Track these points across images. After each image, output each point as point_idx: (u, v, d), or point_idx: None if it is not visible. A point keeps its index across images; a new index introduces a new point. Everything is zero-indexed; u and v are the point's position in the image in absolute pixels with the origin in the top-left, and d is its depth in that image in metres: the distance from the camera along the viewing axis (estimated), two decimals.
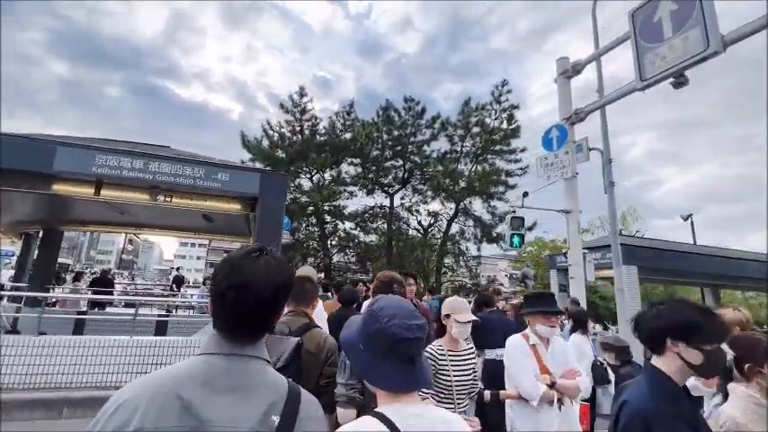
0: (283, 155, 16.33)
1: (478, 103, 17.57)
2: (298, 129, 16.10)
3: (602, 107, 7.90)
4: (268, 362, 0.91)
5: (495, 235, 16.81)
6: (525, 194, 7.81)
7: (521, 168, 17.31)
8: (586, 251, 7.90)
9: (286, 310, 1.79)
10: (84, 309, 7.94)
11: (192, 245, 70.46)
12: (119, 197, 5.42)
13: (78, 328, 6.71)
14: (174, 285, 14.48)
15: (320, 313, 2.97)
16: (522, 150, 17.38)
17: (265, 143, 16.18)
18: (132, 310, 6.17)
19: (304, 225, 17.81)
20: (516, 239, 7.65)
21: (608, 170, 8.75)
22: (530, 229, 17.04)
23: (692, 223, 14.57)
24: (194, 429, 0.75)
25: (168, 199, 5.54)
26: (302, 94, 15.70)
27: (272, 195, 5.67)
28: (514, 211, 7.73)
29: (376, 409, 0.92)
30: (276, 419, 0.81)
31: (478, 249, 17.80)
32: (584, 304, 7.56)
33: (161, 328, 7.14)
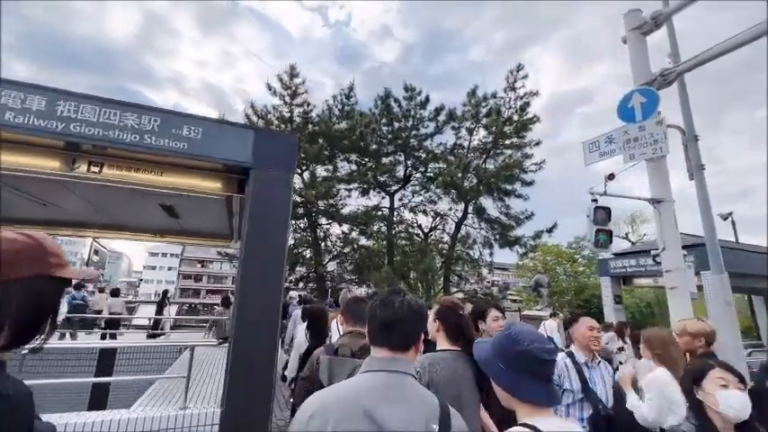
0: None
1: (486, 93, 15.81)
2: (287, 115, 13.77)
3: (698, 66, 6.11)
4: (415, 377, 1.13)
5: (512, 238, 14.95)
6: (611, 176, 5.86)
7: (535, 164, 15.61)
8: (685, 253, 6.04)
9: (345, 329, 2.28)
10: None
11: (164, 254, 65.84)
12: (6, 165, 3.09)
13: None
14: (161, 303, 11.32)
15: None
16: (537, 144, 15.68)
17: None
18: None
19: (293, 228, 15.43)
20: (603, 237, 5.67)
21: (694, 150, 6.98)
22: (549, 231, 15.31)
23: (732, 222, 13.16)
24: (376, 430, 0.97)
25: (96, 169, 3.25)
26: (293, 74, 13.38)
27: (273, 167, 3.48)
28: (596, 200, 5.76)
29: (525, 421, 1.06)
30: (436, 427, 1.02)
31: (491, 255, 15.89)
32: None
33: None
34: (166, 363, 7.17)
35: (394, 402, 1.02)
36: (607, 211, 5.81)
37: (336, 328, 3.39)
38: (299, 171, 14.28)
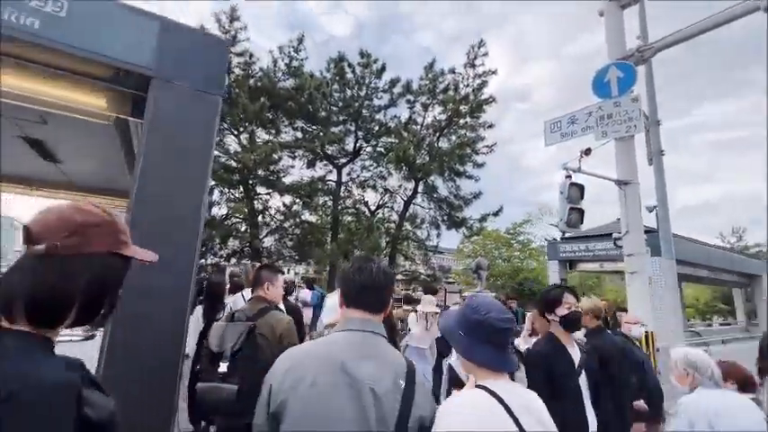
0: None
1: (444, 68, 15.15)
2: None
3: (678, 43, 5.89)
4: (386, 338, 1.23)
5: (459, 219, 14.75)
6: (587, 152, 5.46)
7: (487, 146, 15.44)
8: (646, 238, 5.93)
9: (248, 297, 2.44)
10: None
11: None
12: None
13: None
14: None
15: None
16: (490, 126, 15.49)
17: None
18: None
19: (226, 197, 13.69)
20: (575, 216, 5.28)
21: (655, 135, 6.92)
22: (495, 214, 15.37)
23: (656, 216, 14.17)
24: (349, 383, 1.06)
25: None
26: (233, 16, 11.40)
27: (189, 79, 2.34)
28: (570, 176, 5.33)
29: (480, 383, 1.17)
30: (402, 383, 1.10)
31: (438, 236, 15.62)
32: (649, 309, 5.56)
33: None
34: None
35: (368, 359, 1.11)
36: (580, 188, 5.43)
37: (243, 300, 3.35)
38: (236, 132, 12.52)
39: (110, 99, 2.50)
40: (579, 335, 3.05)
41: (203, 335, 2.70)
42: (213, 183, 12.74)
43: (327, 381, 1.04)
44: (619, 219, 10.71)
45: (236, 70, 11.82)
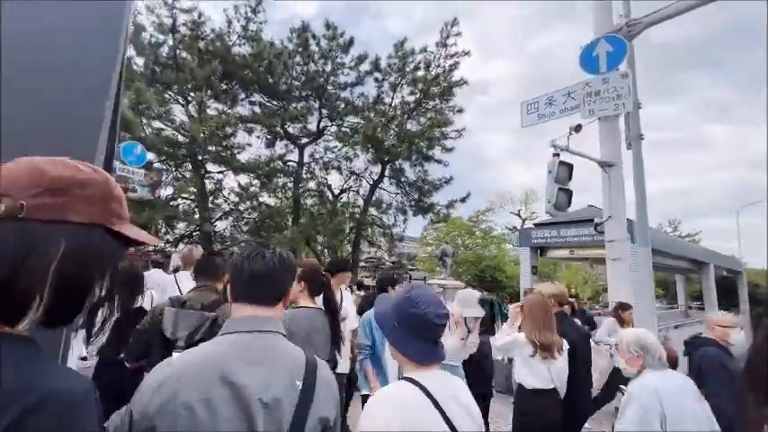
0: (141, 65, 10.49)
1: (415, 47, 14.46)
2: (168, 21, 10.30)
3: (669, 18, 5.62)
4: (284, 335, 1.08)
5: (427, 204, 14.32)
6: (577, 128, 5.05)
7: (456, 131, 15.04)
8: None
9: (195, 284, 2.23)
10: None
11: None
12: None
13: None
14: None
15: None
16: (460, 111, 15.09)
17: None
18: None
19: (172, 175, 12.25)
20: (563, 198, 4.88)
21: (635, 118, 6.72)
22: (463, 200, 15.11)
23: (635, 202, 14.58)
24: (232, 397, 0.90)
25: None
26: None
27: None
28: (558, 154, 4.91)
29: (407, 376, 1.19)
30: (299, 383, 0.98)
31: (405, 221, 15.12)
32: (648, 294, 5.36)
33: None
34: None
35: (256, 364, 0.97)
36: (569, 167, 5.02)
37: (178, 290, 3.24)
38: (183, 101, 11.08)
39: None
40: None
41: (121, 324, 2.32)
42: (156, 159, 11.28)
43: (204, 398, 0.88)
44: (590, 205, 10.79)
45: (183, 29, 10.37)
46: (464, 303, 3.20)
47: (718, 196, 71.65)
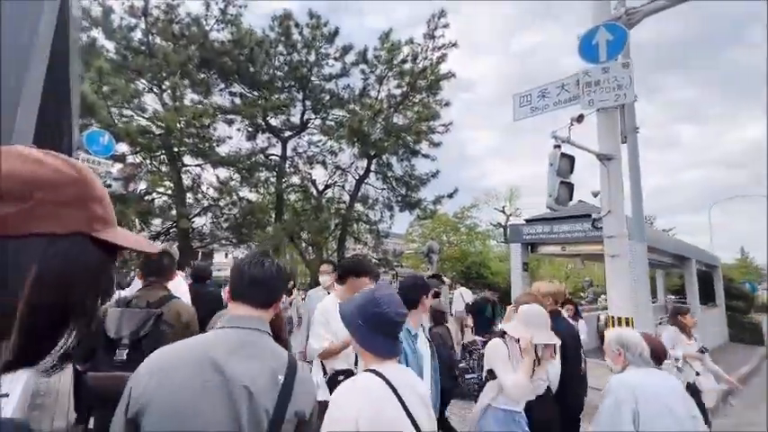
0: (112, 50, 9.76)
1: (401, 39, 14.09)
2: (141, 6, 9.59)
3: (671, 6, 5.45)
4: (270, 335, 1.18)
5: (414, 200, 14.03)
6: (580, 118, 4.82)
7: (443, 125, 14.78)
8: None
9: (143, 283, 2.28)
10: None
11: None
12: None
13: None
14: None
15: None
16: (447, 105, 14.83)
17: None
18: None
19: (146, 169, 11.53)
20: (564, 192, 4.65)
21: (630, 111, 6.57)
22: (450, 196, 14.90)
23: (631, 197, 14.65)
24: (221, 382, 0.99)
25: None
26: None
27: None
28: (559, 145, 4.66)
29: (371, 368, 1.32)
30: (281, 378, 1.07)
31: (392, 217, 14.81)
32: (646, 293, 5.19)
33: None
34: None
35: (245, 357, 1.06)
36: (571, 159, 4.78)
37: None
38: (157, 88, 10.38)
39: None
40: None
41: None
42: (129, 150, 10.56)
43: (196, 381, 0.98)
44: (580, 200, 10.71)
45: (156, 12, 9.70)
46: (533, 324, 2.31)
47: (690, 194, 74.23)
